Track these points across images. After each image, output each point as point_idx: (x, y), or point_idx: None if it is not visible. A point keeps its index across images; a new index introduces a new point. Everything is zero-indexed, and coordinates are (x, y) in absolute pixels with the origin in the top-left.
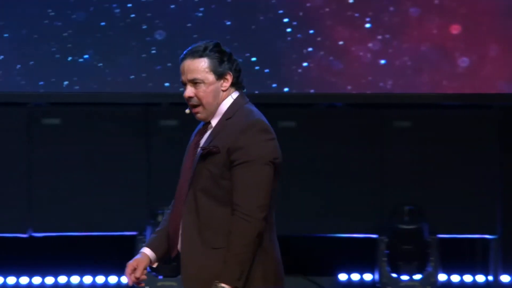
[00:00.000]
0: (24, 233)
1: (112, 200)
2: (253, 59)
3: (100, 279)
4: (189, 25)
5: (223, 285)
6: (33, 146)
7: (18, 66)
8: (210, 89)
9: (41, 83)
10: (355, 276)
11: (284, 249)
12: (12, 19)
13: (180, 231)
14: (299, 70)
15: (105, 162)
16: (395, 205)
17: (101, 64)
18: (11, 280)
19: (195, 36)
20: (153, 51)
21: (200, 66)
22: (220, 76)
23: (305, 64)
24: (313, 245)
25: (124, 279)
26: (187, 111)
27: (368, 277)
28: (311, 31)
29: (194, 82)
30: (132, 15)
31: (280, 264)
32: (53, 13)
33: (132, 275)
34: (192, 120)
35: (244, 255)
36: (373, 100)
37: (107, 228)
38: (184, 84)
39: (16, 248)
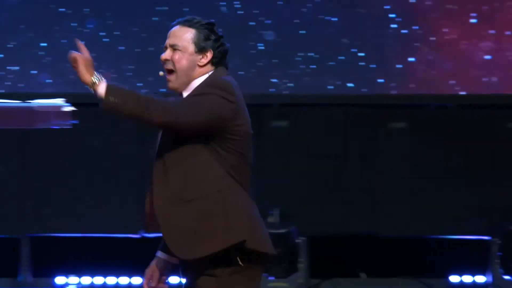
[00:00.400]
0: (136, 233)
1: None
2: (361, 54)
3: None
4: (296, 21)
5: (103, 84)
6: None
7: (129, 63)
8: (187, 59)
9: (151, 78)
10: (467, 278)
11: (396, 251)
12: (122, 17)
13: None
14: (404, 66)
15: None
16: (507, 207)
17: None
18: (124, 280)
19: (302, 32)
20: (261, 47)
21: (185, 35)
22: (200, 50)
23: (410, 59)
24: (424, 246)
25: None
26: (161, 73)
27: (480, 279)
28: (416, 27)
29: (174, 48)
30: (240, 12)
31: (259, 221)
32: (162, 10)
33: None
34: (304, 121)
35: (138, 104)
36: (485, 101)
37: None
38: (165, 49)
39: (128, 248)
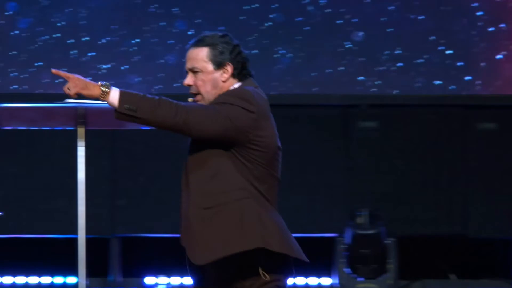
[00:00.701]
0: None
1: (312, 202)
2: (448, 52)
3: (300, 281)
4: (383, 19)
5: (112, 89)
6: None
7: None
8: (209, 79)
9: None
10: None
11: (486, 252)
12: (210, 16)
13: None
14: (492, 63)
15: (304, 164)
16: None
17: (299, 61)
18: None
19: (389, 30)
20: (348, 46)
21: (199, 55)
22: (219, 66)
23: (498, 57)
24: None
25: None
26: (190, 99)
27: None
28: (503, 25)
29: (194, 71)
30: (327, 10)
31: (283, 228)
32: (250, 9)
33: None
34: (392, 121)
35: (153, 109)
36: None
37: (308, 229)
38: (186, 72)
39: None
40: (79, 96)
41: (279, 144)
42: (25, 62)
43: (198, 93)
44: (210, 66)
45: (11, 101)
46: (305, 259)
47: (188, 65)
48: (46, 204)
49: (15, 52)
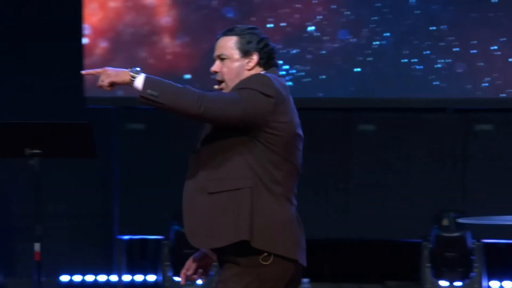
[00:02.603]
0: None
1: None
2: None
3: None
4: None
5: (140, 75)
6: None
7: None
8: (234, 66)
9: None
10: None
11: None
12: None
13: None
14: None
15: None
16: None
17: None
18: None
19: None
20: None
21: (228, 43)
22: (245, 54)
23: None
24: None
25: None
26: (216, 87)
27: None
28: None
29: (221, 58)
30: None
31: (279, 224)
32: None
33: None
34: None
35: (175, 96)
36: None
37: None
38: (215, 61)
39: None
40: (113, 85)
41: (300, 133)
42: None
43: (223, 81)
44: (236, 54)
45: None
46: (295, 257)
47: (217, 52)
48: None
49: None
